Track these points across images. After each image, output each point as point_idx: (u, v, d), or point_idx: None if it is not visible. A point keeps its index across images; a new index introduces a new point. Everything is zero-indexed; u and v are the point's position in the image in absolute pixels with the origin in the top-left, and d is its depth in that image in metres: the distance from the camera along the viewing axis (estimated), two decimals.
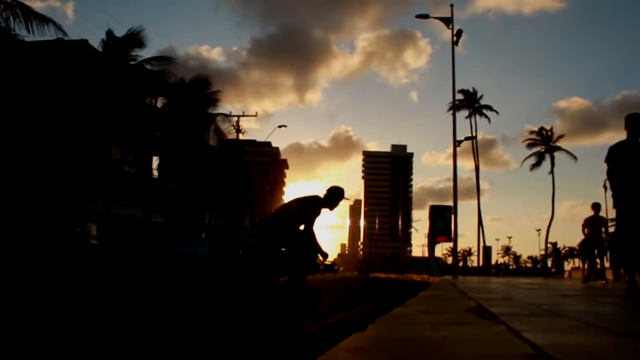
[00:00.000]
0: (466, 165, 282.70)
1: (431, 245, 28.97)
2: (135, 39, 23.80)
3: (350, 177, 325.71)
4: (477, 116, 48.01)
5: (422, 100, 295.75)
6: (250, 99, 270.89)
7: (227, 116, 33.09)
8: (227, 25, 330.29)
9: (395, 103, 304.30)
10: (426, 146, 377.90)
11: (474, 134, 45.66)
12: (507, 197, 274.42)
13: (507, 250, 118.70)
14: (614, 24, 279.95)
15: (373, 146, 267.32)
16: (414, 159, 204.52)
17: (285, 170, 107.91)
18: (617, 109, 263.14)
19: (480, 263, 48.89)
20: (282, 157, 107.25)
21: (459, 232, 22.21)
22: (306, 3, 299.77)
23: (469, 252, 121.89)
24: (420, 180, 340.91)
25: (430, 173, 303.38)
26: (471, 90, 48.51)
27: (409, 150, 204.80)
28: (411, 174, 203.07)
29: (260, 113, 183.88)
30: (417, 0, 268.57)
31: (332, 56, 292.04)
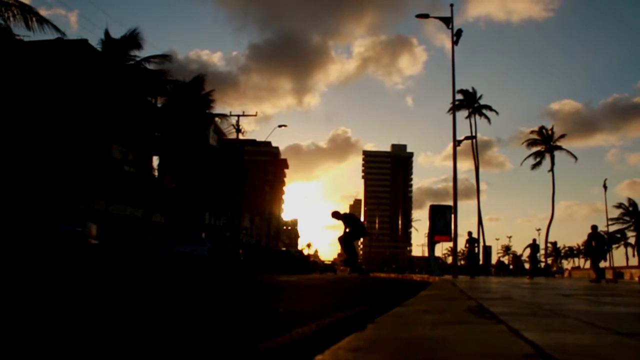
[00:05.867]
0: (463, 166, 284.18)
1: (431, 244, 28.94)
2: (132, 40, 23.82)
3: (348, 177, 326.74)
4: (477, 116, 47.99)
5: (417, 104, 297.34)
6: (250, 103, 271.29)
7: (226, 116, 33.11)
8: (226, 30, 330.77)
9: (392, 106, 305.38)
10: (422, 148, 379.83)
11: (473, 134, 45.61)
12: (504, 197, 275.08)
13: (507, 249, 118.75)
14: (603, 30, 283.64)
15: (370, 148, 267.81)
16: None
17: (285, 170, 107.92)
18: (608, 111, 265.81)
19: (480, 262, 48.88)
20: (282, 157, 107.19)
21: (458, 232, 22.42)
22: (304, 9, 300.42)
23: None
24: (417, 181, 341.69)
25: (426, 174, 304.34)
26: (471, 90, 48.41)
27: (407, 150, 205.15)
28: (411, 173, 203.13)
29: (259, 115, 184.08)
30: (412, 7, 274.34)
31: (330, 61, 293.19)
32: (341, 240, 12.46)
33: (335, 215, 12.91)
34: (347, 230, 12.42)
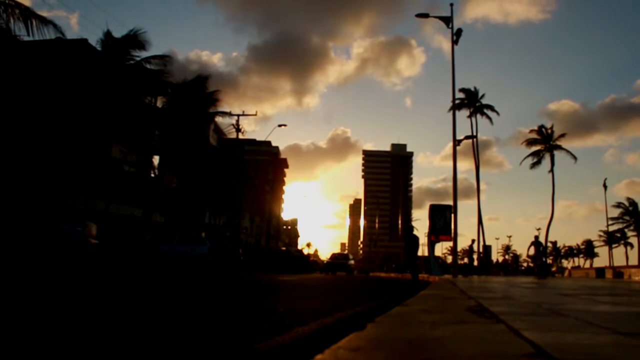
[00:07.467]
0: (462, 166, 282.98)
1: (431, 244, 28.94)
2: (134, 40, 23.73)
3: (348, 177, 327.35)
4: (477, 116, 47.83)
5: (416, 105, 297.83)
6: (250, 103, 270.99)
7: (226, 113, 33.04)
8: (226, 31, 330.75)
9: (391, 107, 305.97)
10: (421, 148, 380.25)
11: (474, 134, 45.49)
12: (504, 197, 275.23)
13: (507, 249, 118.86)
14: (600, 31, 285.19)
15: (370, 147, 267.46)
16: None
17: (285, 170, 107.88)
18: (606, 112, 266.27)
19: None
20: (282, 157, 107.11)
21: (458, 231, 22.78)
22: (303, 10, 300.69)
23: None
24: (416, 181, 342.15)
25: (425, 174, 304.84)
26: (472, 89, 48.27)
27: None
28: (411, 172, 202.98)
29: (259, 115, 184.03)
30: (411, 8, 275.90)
31: (329, 62, 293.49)
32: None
33: (408, 227, 16.62)
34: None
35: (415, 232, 16.71)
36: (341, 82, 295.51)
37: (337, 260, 34.56)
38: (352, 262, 35.84)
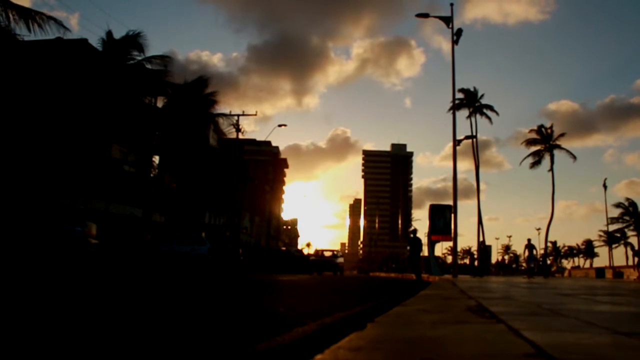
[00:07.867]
0: (461, 166, 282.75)
1: (431, 244, 28.92)
2: (134, 40, 23.73)
3: (348, 177, 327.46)
4: (477, 116, 47.77)
5: (416, 105, 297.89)
6: (250, 103, 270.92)
7: (226, 115, 33.09)
8: (226, 31, 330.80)
9: (391, 107, 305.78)
10: (421, 148, 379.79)
11: (473, 134, 45.44)
12: (503, 197, 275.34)
13: (507, 249, 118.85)
14: (599, 32, 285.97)
15: (370, 147, 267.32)
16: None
17: (285, 170, 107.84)
18: (605, 112, 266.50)
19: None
20: (282, 157, 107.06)
21: (459, 231, 22.52)
22: (303, 11, 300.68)
23: (469, 252, 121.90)
24: (416, 181, 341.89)
25: (425, 174, 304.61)
26: (472, 89, 48.23)
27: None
28: (411, 172, 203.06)
29: (259, 116, 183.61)
30: (411, 9, 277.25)
31: (328, 62, 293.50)
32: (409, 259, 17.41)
33: (412, 231, 17.46)
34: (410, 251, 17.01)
35: (417, 235, 17.56)
36: (341, 83, 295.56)
37: (323, 257, 29.75)
38: (340, 259, 30.62)
